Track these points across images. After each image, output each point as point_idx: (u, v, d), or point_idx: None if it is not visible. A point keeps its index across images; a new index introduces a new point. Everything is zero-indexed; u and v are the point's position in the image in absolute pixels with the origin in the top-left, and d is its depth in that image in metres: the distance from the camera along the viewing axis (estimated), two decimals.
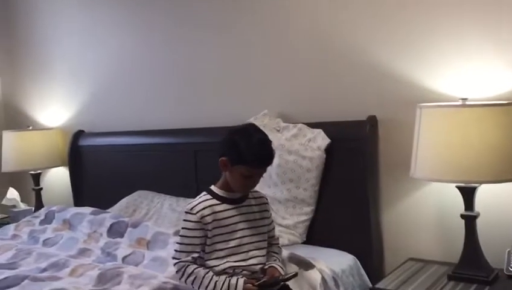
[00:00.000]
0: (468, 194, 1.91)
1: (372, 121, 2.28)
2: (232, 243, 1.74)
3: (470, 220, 1.93)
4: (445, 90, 2.11)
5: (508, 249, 1.95)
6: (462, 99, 1.89)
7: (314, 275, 1.93)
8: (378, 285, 1.97)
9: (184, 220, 1.74)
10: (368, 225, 2.25)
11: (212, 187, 1.80)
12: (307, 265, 1.95)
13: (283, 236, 2.29)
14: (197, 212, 1.72)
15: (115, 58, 3.31)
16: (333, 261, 2.09)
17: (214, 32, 2.83)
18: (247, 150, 1.68)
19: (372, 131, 2.27)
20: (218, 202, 1.75)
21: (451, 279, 1.94)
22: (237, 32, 2.74)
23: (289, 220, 2.37)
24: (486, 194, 1.96)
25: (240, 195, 1.79)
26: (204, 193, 1.79)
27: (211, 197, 1.77)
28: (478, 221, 1.93)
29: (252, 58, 2.70)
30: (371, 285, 2.16)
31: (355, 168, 2.27)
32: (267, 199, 1.90)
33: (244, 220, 1.77)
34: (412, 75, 2.20)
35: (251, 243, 1.77)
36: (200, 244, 1.72)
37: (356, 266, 2.20)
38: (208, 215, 1.72)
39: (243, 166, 1.69)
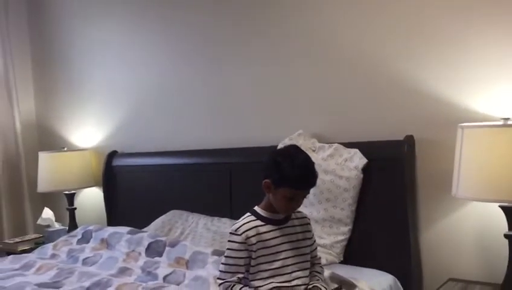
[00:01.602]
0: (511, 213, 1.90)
1: (410, 140, 2.29)
2: (276, 264, 1.75)
3: None
4: (484, 110, 2.12)
5: None
6: (504, 119, 1.89)
7: None
8: None
9: (229, 241, 1.76)
10: (407, 244, 2.25)
11: (256, 208, 1.82)
12: (348, 285, 1.95)
13: (321, 256, 2.29)
14: (242, 233, 1.73)
15: (148, 80, 3.37)
16: (374, 281, 2.08)
17: (247, 54, 2.88)
18: (291, 172, 1.69)
19: (410, 150, 2.28)
20: (262, 223, 1.77)
21: None
22: (272, 52, 2.78)
23: (326, 239, 2.38)
24: None
25: (284, 216, 1.81)
26: (248, 213, 1.81)
27: (255, 218, 1.78)
28: None
29: (286, 77, 2.73)
30: None
31: (393, 188, 2.28)
32: (309, 219, 1.91)
33: (288, 241, 1.78)
34: (449, 95, 2.21)
35: (295, 263, 1.78)
36: (245, 265, 1.74)
37: (396, 287, 2.19)
38: (253, 236, 1.73)
39: (286, 188, 1.70)
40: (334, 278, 1.98)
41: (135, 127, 3.47)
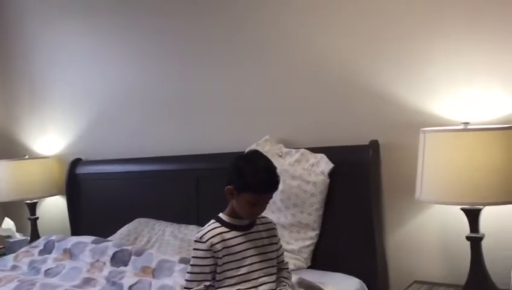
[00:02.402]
0: (473, 216, 1.94)
1: (375, 145, 2.31)
2: (242, 270, 1.74)
3: (475, 242, 1.95)
4: (445, 114, 2.16)
5: None
6: (464, 123, 1.94)
7: None
8: None
9: (194, 249, 1.74)
10: (373, 248, 2.27)
11: (221, 215, 1.81)
12: None
13: (289, 261, 2.29)
14: (207, 240, 1.72)
15: (113, 85, 3.31)
16: (341, 286, 2.09)
17: (214, 58, 2.86)
18: (253, 177, 1.69)
19: (375, 155, 2.31)
20: (227, 229, 1.76)
21: None
22: (238, 58, 2.77)
23: (294, 245, 2.38)
24: (490, 216, 1.99)
25: (248, 222, 1.80)
26: (212, 220, 1.80)
27: (220, 224, 1.77)
28: (483, 242, 1.96)
29: (253, 84, 2.73)
30: None
31: (359, 192, 2.30)
32: (274, 224, 1.91)
33: (254, 247, 1.78)
34: (413, 100, 2.25)
35: (261, 269, 1.77)
36: (211, 272, 1.72)
37: None
38: (218, 243, 1.72)
39: (248, 193, 1.70)
40: (301, 283, 1.98)
41: (100, 134, 3.39)
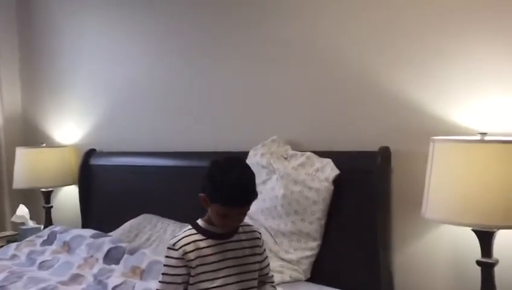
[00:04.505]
0: (485, 239, 1.71)
1: (385, 152, 2.11)
2: (217, 282, 1.59)
3: (487, 268, 1.73)
4: (462, 122, 1.93)
5: None
6: (481, 133, 1.71)
7: None
8: None
9: (166, 256, 1.61)
10: (377, 264, 2.07)
11: (199, 221, 1.67)
12: None
13: (285, 272, 2.15)
14: (180, 248, 1.58)
15: (131, 79, 3.29)
16: None
17: (227, 57, 2.77)
18: (221, 188, 1.54)
19: (385, 163, 2.10)
20: (202, 237, 1.61)
21: None
22: (250, 58, 2.67)
23: (293, 254, 2.21)
24: (505, 240, 1.75)
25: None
26: (189, 226, 1.66)
27: (196, 231, 1.63)
28: (496, 268, 1.72)
29: (264, 83, 2.61)
30: None
31: (365, 202, 2.10)
32: (260, 233, 1.74)
33: (232, 257, 1.63)
34: (428, 106, 2.02)
35: (238, 282, 1.62)
36: (183, 282, 1.59)
37: None
38: (191, 251, 1.58)
39: (218, 204, 1.56)
40: None
41: (116, 126, 3.39)
